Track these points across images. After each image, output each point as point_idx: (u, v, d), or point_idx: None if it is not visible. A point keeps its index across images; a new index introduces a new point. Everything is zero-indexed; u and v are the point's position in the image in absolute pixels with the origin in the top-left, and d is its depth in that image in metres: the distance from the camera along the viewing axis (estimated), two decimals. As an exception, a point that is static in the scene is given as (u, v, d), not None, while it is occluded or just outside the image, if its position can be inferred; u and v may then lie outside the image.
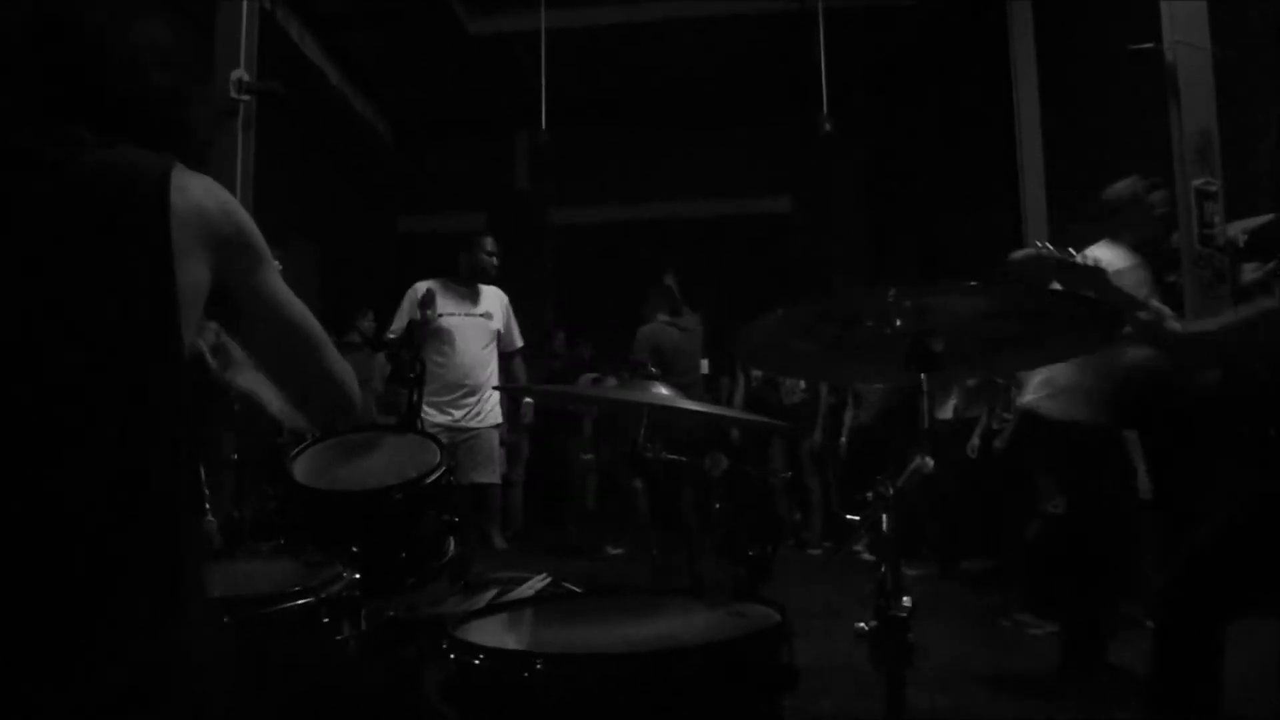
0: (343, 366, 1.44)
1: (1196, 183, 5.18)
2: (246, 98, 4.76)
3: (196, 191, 1.20)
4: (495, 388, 4.81)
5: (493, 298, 4.94)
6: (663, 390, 1.93)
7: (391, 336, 4.75)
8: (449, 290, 4.82)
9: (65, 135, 1.17)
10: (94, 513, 1.09)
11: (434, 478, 2.43)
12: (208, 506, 2.13)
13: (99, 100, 1.23)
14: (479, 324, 4.82)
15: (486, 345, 4.83)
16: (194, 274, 1.18)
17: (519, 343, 5.02)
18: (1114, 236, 3.85)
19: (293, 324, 1.35)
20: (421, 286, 4.75)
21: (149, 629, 1.10)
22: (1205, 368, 3.81)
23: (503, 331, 4.92)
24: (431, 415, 4.47)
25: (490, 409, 4.84)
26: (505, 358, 4.96)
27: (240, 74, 4.73)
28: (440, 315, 4.65)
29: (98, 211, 1.13)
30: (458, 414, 4.70)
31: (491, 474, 4.91)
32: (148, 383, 1.14)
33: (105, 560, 1.09)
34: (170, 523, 1.15)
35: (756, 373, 8.14)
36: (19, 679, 1.04)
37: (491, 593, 2.20)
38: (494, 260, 4.92)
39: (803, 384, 7.96)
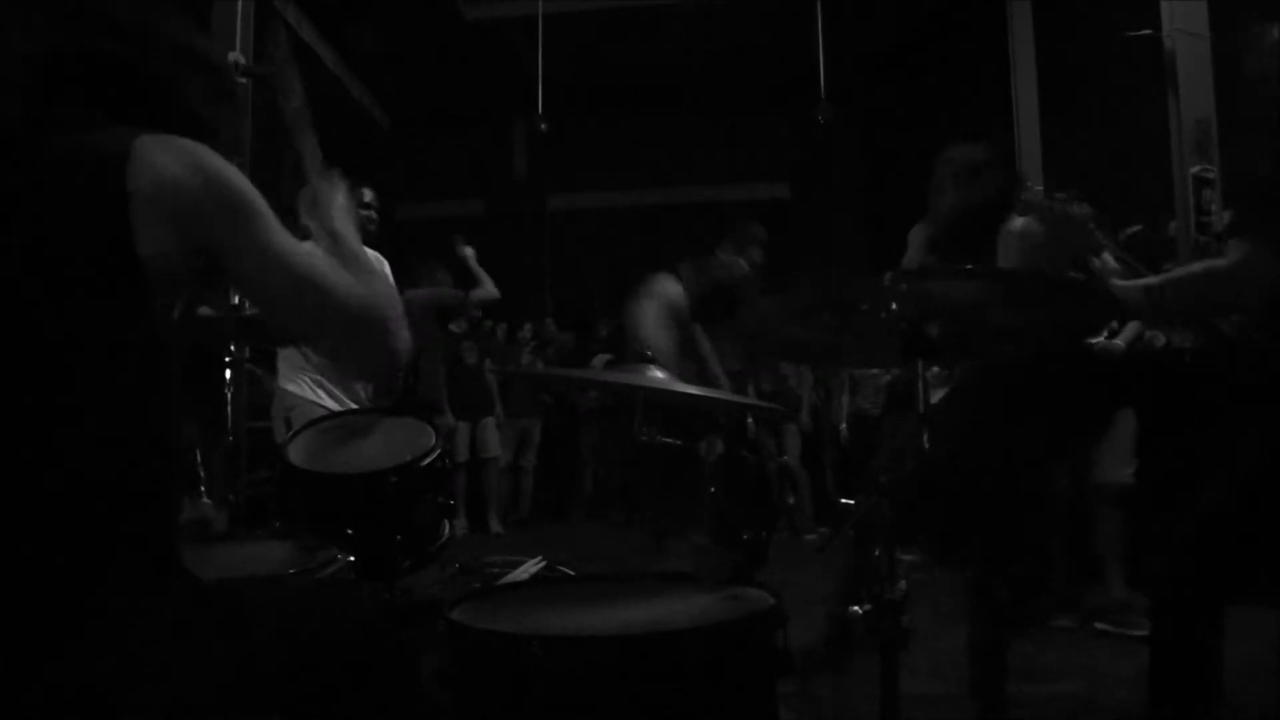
0: (366, 298, 1.30)
1: (1194, 170, 5.18)
2: (242, 81, 4.74)
3: (165, 161, 1.16)
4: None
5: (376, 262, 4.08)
6: (658, 374, 1.92)
7: None
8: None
9: (44, 116, 1.17)
10: (68, 498, 1.08)
11: (429, 461, 2.43)
12: (203, 489, 2.14)
13: (102, 77, 1.22)
14: None
15: None
16: (163, 245, 1.14)
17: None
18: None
19: (299, 277, 1.26)
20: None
21: (134, 613, 1.10)
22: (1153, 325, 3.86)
23: None
24: (320, 399, 3.72)
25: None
26: None
27: (236, 57, 4.71)
28: None
29: (58, 194, 1.12)
30: (348, 399, 3.91)
31: None
32: (115, 359, 1.12)
33: (83, 543, 1.09)
34: (146, 504, 1.14)
35: None
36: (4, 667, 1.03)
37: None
38: (373, 215, 4.24)
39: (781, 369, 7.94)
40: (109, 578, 1.10)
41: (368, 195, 4.19)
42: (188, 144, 1.20)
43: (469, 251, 5.96)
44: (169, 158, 1.16)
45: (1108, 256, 2.95)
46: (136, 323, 1.13)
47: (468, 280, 5.92)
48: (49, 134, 1.15)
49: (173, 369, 1.19)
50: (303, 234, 1.35)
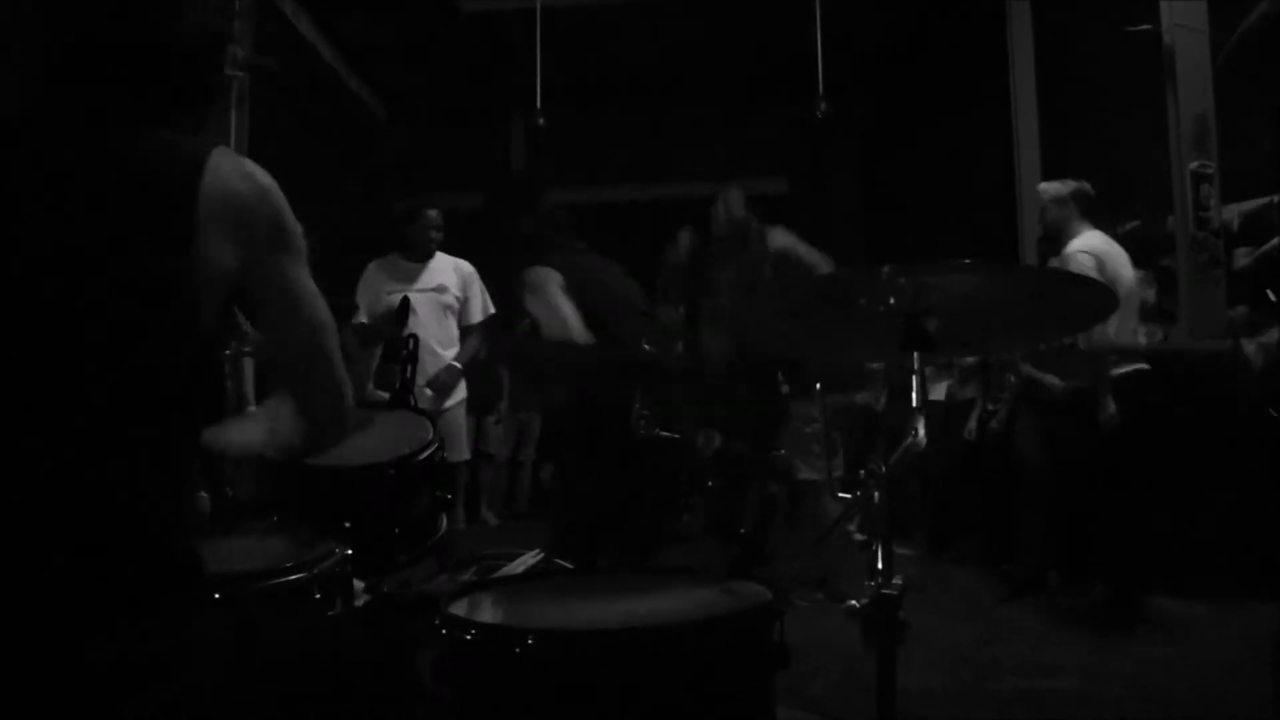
0: (345, 380, 1.41)
1: (1192, 165, 5.18)
2: (240, 73, 4.74)
3: (230, 173, 1.19)
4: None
5: (448, 269, 4.80)
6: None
7: (365, 323, 4.66)
8: (395, 267, 4.78)
9: (89, 106, 1.18)
10: (92, 490, 1.08)
11: (426, 454, 2.42)
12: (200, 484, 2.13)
13: (130, 52, 1.22)
14: (429, 299, 4.66)
15: (443, 321, 4.70)
16: (216, 254, 1.17)
17: (477, 317, 4.82)
18: None
19: (311, 322, 1.32)
20: (373, 269, 4.81)
21: (144, 609, 1.09)
22: None
23: (460, 304, 4.77)
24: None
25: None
26: (462, 332, 4.79)
27: (233, 49, 4.70)
28: (390, 293, 4.57)
29: (126, 189, 1.13)
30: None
31: (461, 451, 4.80)
32: (158, 359, 1.12)
33: (102, 539, 1.08)
34: (166, 502, 1.14)
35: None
36: (12, 666, 1.03)
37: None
38: (437, 235, 4.79)
39: None
40: (124, 574, 1.09)
41: (433, 217, 4.81)
42: (248, 162, 1.25)
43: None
44: (233, 168, 1.20)
45: None
46: (183, 317, 1.14)
47: None
48: (128, 129, 1.17)
49: (215, 367, 1.21)
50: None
